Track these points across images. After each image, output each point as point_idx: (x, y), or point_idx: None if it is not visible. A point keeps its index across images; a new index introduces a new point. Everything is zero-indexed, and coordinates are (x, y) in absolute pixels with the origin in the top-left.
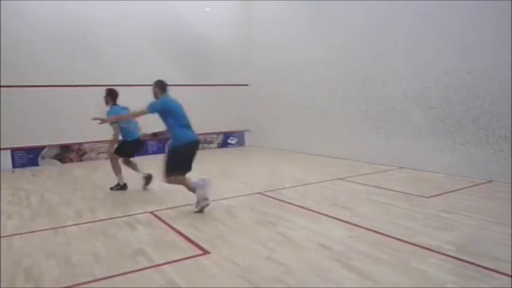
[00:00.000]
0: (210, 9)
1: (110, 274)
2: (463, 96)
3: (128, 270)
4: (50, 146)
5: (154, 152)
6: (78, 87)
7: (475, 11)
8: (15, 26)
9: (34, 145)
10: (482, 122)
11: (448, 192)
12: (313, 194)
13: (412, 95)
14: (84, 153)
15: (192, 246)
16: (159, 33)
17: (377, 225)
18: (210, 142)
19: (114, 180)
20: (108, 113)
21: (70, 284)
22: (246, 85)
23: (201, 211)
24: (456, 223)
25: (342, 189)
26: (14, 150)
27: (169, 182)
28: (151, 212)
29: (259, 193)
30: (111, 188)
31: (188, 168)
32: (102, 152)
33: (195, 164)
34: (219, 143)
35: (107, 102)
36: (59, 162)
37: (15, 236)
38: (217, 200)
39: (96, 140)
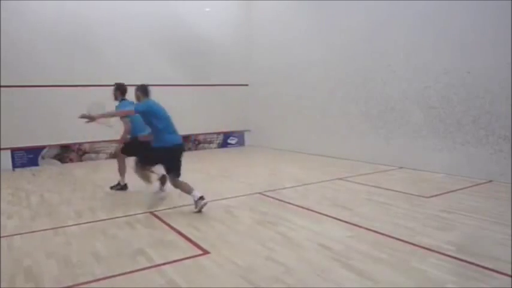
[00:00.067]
0: (210, 9)
1: (110, 274)
2: (463, 96)
3: (128, 270)
4: (50, 146)
5: None
6: (78, 87)
7: (475, 11)
8: (15, 26)
9: (34, 145)
10: (482, 122)
11: (448, 192)
12: (313, 194)
13: (412, 95)
14: (84, 153)
15: (192, 246)
16: (159, 33)
17: (377, 225)
18: (210, 142)
19: (114, 180)
20: (117, 107)
21: (70, 284)
22: (246, 85)
23: (200, 211)
24: (456, 223)
25: (342, 189)
26: (14, 150)
27: (135, 171)
28: (151, 212)
29: (259, 193)
30: (111, 187)
31: (177, 171)
32: (104, 152)
33: (195, 164)
34: (219, 143)
35: (115, 97)
36: (59, 162)
37: (15, 236)
38: (217, 200)
39: (96, 140)
